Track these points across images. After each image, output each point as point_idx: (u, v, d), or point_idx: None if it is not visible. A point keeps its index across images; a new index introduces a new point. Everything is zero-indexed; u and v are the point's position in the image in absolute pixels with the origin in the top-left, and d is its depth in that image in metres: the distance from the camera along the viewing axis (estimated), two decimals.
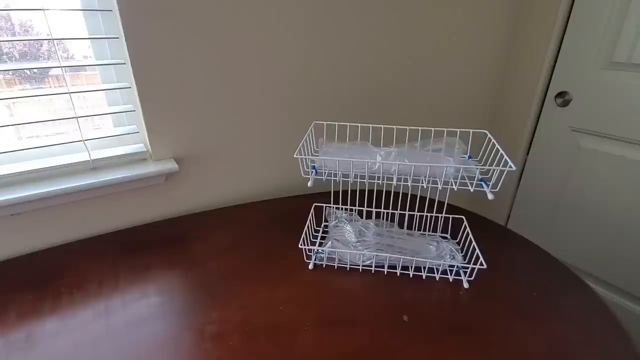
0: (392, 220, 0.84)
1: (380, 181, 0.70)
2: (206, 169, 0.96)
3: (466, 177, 0.67)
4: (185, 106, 0.86)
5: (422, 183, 0.68)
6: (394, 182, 0.67)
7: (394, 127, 0.81)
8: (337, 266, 0.73)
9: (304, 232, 0.75)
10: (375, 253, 0.72)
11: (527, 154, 1.42)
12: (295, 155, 0.67)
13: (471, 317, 0.63)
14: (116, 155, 0.84)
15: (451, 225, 0.83)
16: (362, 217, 0.84)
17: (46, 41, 0.78)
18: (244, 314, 0.62)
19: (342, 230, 0.79)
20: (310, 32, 0.95)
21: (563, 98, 1.26)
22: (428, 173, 0.66)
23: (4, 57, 0.76)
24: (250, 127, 0.97)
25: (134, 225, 0.89)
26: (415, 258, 0.69)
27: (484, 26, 1.25)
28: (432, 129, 0.79)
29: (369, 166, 0.67)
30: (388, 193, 0.91)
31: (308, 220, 0.80)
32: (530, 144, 1.40)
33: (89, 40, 0.80)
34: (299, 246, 0.73)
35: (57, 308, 0.63)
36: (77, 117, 0.77)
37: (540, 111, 1.35)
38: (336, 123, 0.82)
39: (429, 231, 0.83)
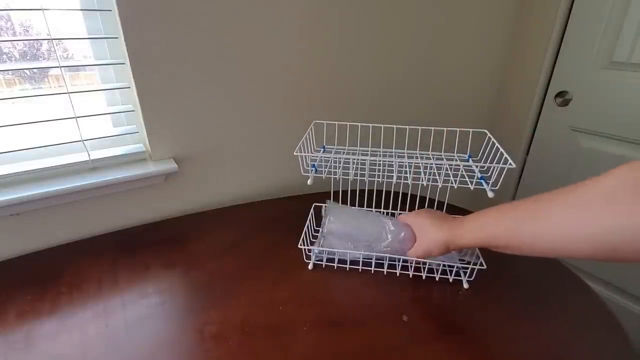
0: None
1: (380, 179, 0.70)
2: (206, 169, 0.96)
3: (466, 176, 0.66)
4: (185, 106, 0.86)
5: (422, 181, 0.68)
6: (394, 180, 0.67)
7: (394, 126, 0.80)
8: (337, 266, 0.73)
9: (303, 232, 0.75)
10: (374, 253, 0.71)
11: (527, 153, 1.42)
12: (295, 153, 0.67)
13: (471, 317, 0.63)
14: (115, 155, 0.84)
15: None
16: None
17: (46, 41, 0.78)
18: (244, 314, 0.62)
19: None
20: (310, 32, 0.95)
21: (563, 98, 1.26)
22: (429, 171, 0.66)
23: (4, 57, 0.76)
24: (250, 127, 0.97)
25: (134, 225, 0.89)
26: (415, 258, 0.69)
27: (484, 26, 1.25)
28: (432, 128, 0.79)
29: (370, 164, 0.67)
30: (388, 192, 0.91)
31: (308, 220, 0.80)
32: (530, 143, 1.40)
33: (88, 40, 0.80)
34: (299, 246, 0.73)
35: (56, 308, 0.63)
36: (76, 117, 0.77)
37: (540, 111, 1.35)
38: (336, 123, 0.82)
39: None
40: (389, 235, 0.67)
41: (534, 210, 0.45)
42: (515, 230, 0.47)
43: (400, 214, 0.72)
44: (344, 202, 0.84)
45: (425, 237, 0.63)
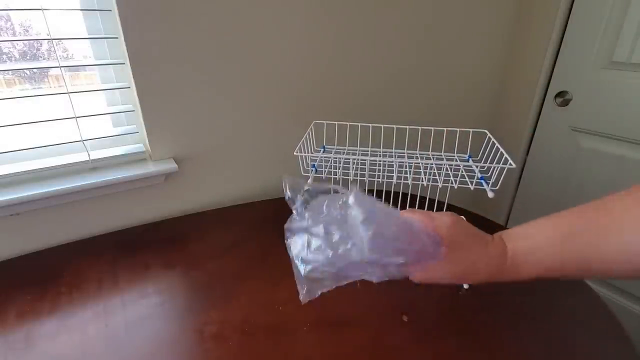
0: None
1: (380, 179, 0.70)
2: (206, 169, 0.96)
3: (466, 176, 0.66)
4: (185, 106, 0.86)
5: (422, 181, 0.68)
6: (394, 180, 0.67)
7: (394, 126, 0.80)
8: None
9: None
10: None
11: (527, 154, 1.42)
12: (295, 153, 0.67)
13: (471, 317, 0.63)
14: (115, 155, 0.84)
15: None
16: None
17: (46, 41, 0.78)
18: (244, 314, 0.62)
19: None
20: (311, 32, 0.95)
21: (563, 98, 1.26)
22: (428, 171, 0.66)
23: (4, 57, 0.76)
24: (250, 127, 0.97)
25: (134, 225, 0.89)
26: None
27: (484, 26, 1.25)
28: (432, 128, 0.79)
29: (370, 165, 0.67)
30: (388, 193, 0.90)
31: None
32: (530, 143, 1.40)
33: (88, 40, 0.80)
34: None
35: (56, 308, 0.63)
36: (76, 117, 0.77)
37: (540, 111, 1.35)
38: (336, 123, 0.82)
39: None
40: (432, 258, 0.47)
41: (602, 226, 0.39)
42: (584, 262, 0.41)
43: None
44: None
45: (462, 262, 0.48)
